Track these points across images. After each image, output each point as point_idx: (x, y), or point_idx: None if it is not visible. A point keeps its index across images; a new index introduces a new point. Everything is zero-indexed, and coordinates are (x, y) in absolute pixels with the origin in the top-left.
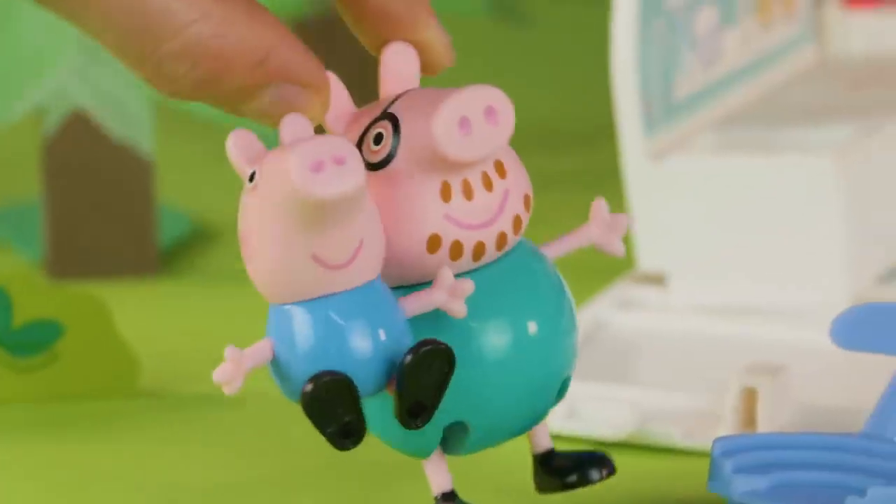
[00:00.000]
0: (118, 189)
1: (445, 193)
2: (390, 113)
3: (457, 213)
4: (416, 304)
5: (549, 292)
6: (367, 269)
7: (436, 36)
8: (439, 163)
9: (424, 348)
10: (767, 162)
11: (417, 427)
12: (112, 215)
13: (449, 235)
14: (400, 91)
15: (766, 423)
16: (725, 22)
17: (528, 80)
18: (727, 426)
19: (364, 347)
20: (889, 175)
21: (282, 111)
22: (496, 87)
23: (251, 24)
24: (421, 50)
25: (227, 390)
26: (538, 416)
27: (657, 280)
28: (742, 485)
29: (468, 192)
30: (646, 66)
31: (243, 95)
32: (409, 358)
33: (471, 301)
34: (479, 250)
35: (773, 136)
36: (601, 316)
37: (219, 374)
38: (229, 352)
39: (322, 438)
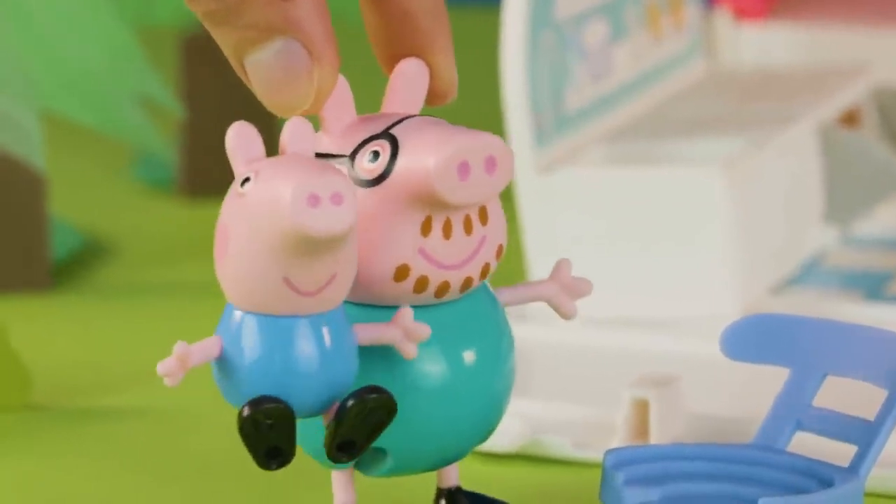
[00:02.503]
0: (9, 204)
1: (426, 228)
2: (392, 134)
3: (431, 250)
4: (370, 334)
5: (491, 335)
6: (335, 299)
7: (447, 63)
8: (429, 199)
9: (370, 396)
10: (658, 174)
11: (343, 462)
12: (3, 230)
13: (418, 269)
14: (403, 110)
15: (658, 434)
16: (615, 36)
17: None
18: (619, 437)
19: (311, 370)
20: (779, 187)
21: (283, 70)
22: (499, 137)
23: None
24: (430, 75)
25: (167, 382)
26: (460, 452)
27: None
28: (633, 496)
29: (447, 232)
30: (535, 78)
31: (254, 37)
32: (350, 402)
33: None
34: (443, 289)
35: (663, 148)
36: None
37: (162, 367)
38: (177, 347)
39: (222, 452)
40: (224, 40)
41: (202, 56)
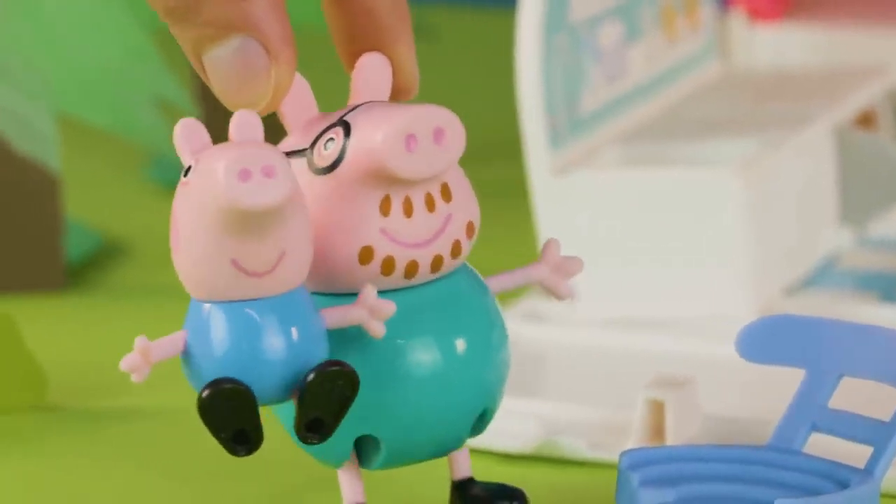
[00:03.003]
0: (24, 205)
1: (385, 207)
2: (345, 120)
3: (393, 229)
4: (336, 317)
5: (479, 322)
6: (289, 279)
7: (409, 57)
8: (382, 176)
9: (329, 368)
10: (673, 175)
11: (313, 442)
12: (18, 231)
13: (382, 250)
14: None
15: (674, 435)
16: (630, 37)
17: (433, 94)
18: (634, 439)
19: (274, 355)
20: (793, 188)
21: (240, 68)
22: (449, 109)
23: None
24: (392, 70)
25: (134, 378)
26: (452, 441)
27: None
28: (649, 498)
29: (408, 210)
30: (550, 80)
31: (213, 34)
32: (311, 376)
33: (395, 319)
34: (411, 269)
35: (678, 149)
36: (508, 329)
37: (125, 363)
38: (138, 341)
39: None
40: (183, 37)
41: None
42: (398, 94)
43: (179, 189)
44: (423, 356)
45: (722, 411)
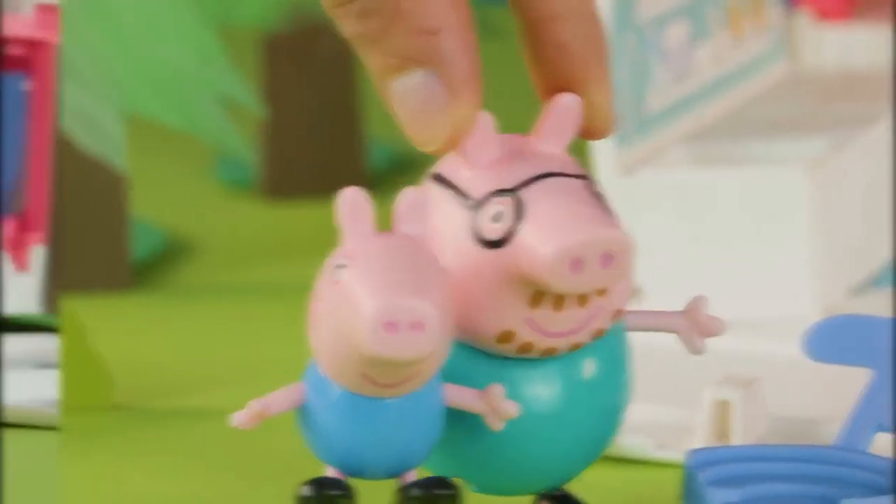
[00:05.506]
0: (91, 204)
1: (535, 301)
2: (520, 197)
3: (539, 321)
4: (458, 398)
5: (613, 386)
6: (418, 385)
7: (602, 97)
8: (539, 283)
9: (435, 491)
10: (740, 175)
11: None
12: (85, 230)
13: (523, 336)
14: (551, 142)
15: (740, 435)
16: (697, 36)
17: (500, 92)
18: (700, 438)
19: (388, 448)
20: (860, 187)
21: (420, 101)
22: (623, 231)
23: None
24: (586, 111)
25: (240, 428)
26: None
27: (631, 293)
28: (716, 497)
29: (559, 306)
30: (617, 80)
31: (398, 64)
32: (415, 491)
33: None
34: (549, 352)
35: (745, 149)
36: None
37: (236, 420)
38: (254, 405)
39: (304, 452)
40: (368, 63)
41: (284, 55)
42: (587, 135)
43: (328, 280)
44: (541, 431)
45: (788, 411)
